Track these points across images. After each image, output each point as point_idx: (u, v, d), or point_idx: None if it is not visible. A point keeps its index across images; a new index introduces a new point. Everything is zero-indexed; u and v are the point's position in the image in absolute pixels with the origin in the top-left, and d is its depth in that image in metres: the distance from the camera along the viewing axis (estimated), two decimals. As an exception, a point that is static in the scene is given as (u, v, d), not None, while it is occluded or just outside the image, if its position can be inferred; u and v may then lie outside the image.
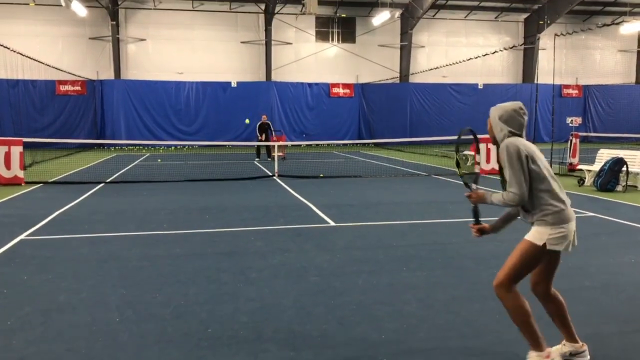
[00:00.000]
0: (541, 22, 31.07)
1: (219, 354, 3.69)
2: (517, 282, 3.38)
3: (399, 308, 4.56)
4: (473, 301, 4.74)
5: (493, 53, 25.14)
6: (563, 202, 3.34)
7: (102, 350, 3.77)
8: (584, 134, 26.89)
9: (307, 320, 4.29)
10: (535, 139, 18.69)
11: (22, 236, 7.31)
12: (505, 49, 27.58)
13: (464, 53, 31.85)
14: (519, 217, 3.55)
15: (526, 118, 3.47)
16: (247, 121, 25.23)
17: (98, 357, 3.66)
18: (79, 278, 5.45)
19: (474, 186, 3.62)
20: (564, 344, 3.57)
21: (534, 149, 3.39)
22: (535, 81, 19.90)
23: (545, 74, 28.74)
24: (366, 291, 5.02)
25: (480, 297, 4.85)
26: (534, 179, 3.32)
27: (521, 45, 32.51)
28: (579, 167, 13.72)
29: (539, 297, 3.56)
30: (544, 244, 3.29)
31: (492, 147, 15.20)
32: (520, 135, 3.44)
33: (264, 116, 21.48)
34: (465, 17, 33.28)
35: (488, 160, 15.23)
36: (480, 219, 3.63)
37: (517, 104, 3.47)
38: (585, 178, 12.78)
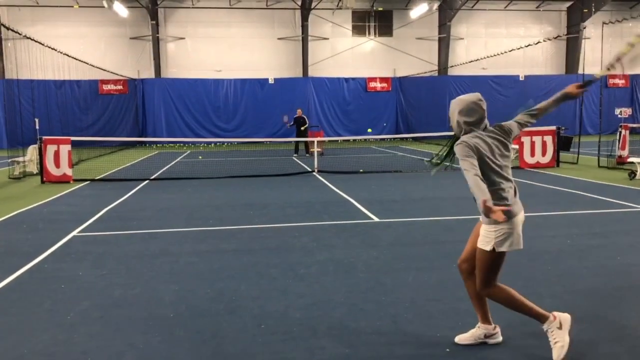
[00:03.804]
0: (585, 11, 30.06)
1: (275, 350, 3.70)
2: (493, 283, 3.49)
3: (453, 305, 4.48)
4: (529, 298, 4.60)
5: (535, 44, 24.49)
6: (505, 198, 3.34)
7: (160, 345, 3.83)
8: (634, 125, 25.94)
9: (360, 317, 4.26)
10: (580, 131, 18.12)
11: (75, 232, 7.53)
12: (547, 39, 26.87)
13: (504, 44, 31.17)
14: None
15: (485, 108, 3.44)
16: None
17: (157, 352, 3.72)
18: (132, 273, 5.56)
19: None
20: (479, 327, 3.72)
21: (482, 144, 3.35)
22: (581, 72, 19.29)
23: (589, 64, 27.78)
24: (417, 288, 4.96)
25: (535, 294, 4.70)
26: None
27: (565, 35, 31.55)
28: (630, 159, 13.24)
29: (462, 274, 3.70)
30: (493, 249, 3.36)
31: (537, 140, 14.83)
32: (479, 127, 3.41)
33: (299, 110, 21.53)
34: (505, 7, 32.54)
35: (532, 154, 14.86)
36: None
37: (476, 96, 3.44)
38: (636, 171, 12.32)
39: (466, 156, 3.29)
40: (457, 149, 3.36)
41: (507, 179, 3.40)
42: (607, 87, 31.28)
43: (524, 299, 3.50)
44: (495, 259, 3.41)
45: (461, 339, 3.73)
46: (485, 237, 3.40)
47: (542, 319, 3.48)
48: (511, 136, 3.49)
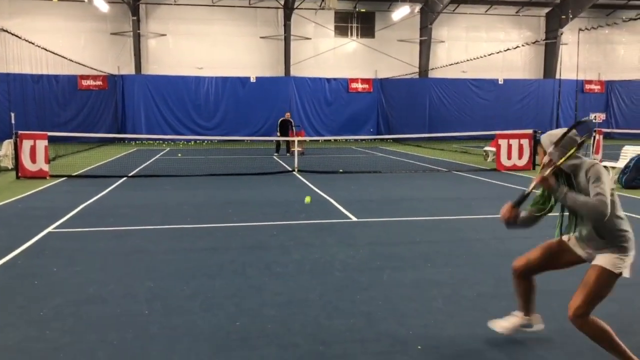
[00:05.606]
0: (563, 17, 30.59)
1: (250, 347, 3.72)
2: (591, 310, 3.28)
3: (425, 304, 4.55)
4: (500, 298, 4.71)
5: (515, 48, 24.86)
6: (630, 227, 3.27)
7: (133, 342, 3.83)
8: (607, 130, 26.45)
9: (334, 315, 4.31)
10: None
11: (50, 228, 7.44)
12: (526, 44, 27.28)
13: (484, 48, 31.55)
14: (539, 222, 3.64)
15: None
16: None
17: (130, 349, 3.72)
18: (106, 270, 5.53)
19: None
20: (516, 315, 3.77)
21: None
22: (558, 76, 19.67)
23: (566, 70, 28.35)
24: (391, 287, 5.03)
25: (507, 294, 4.79)
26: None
27: (543, 40, 32.07)
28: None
29: (517, 274, 3.67)
30: (621, 272, 3.21)
31: (514, 143, 15.07)
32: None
33: (287, 113, 21.62)
34: (486, 11, 32.93)
35: (509, 157, 15.09)
36: (521, 206, 3.58)
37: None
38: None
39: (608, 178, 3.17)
40: (599, 167, 3.19)
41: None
42: (583, 93, 31.89)
43: (616, 338, 3.26)
44: (614, 283, 3.23)
45: (501, 327, 3.79)
46: (617, 261, 3.20)
47: None
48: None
